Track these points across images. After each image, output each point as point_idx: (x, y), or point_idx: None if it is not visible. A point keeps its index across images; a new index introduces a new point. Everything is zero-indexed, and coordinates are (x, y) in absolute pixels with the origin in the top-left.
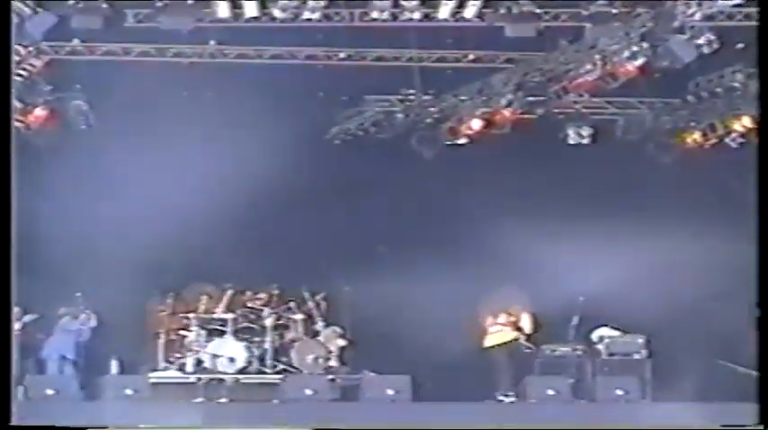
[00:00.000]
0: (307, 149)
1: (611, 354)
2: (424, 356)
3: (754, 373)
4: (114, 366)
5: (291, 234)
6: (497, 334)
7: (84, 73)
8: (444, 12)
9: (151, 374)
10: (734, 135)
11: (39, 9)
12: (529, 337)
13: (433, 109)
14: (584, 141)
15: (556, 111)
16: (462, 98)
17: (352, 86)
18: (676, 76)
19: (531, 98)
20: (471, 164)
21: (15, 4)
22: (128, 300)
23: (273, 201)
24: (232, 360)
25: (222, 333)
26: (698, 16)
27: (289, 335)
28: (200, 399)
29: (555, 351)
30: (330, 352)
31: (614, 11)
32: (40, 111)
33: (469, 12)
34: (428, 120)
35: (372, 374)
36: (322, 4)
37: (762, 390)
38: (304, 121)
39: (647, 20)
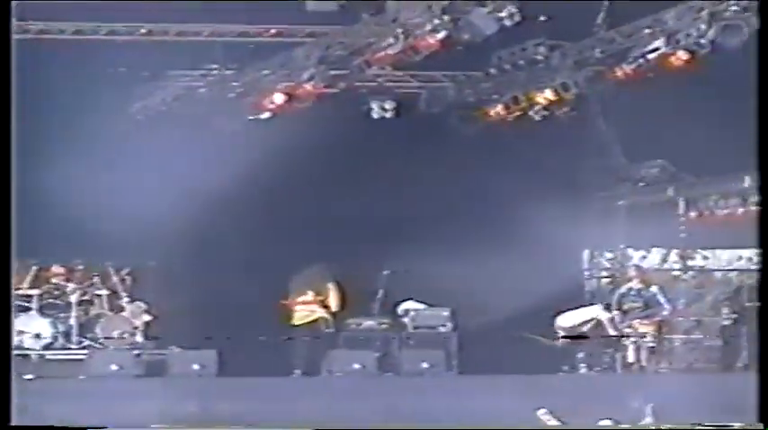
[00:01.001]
0: (109, 126)
1: (416, 328)
2: (232, 332)
3: (558, 344)
4: None
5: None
6: (304, 312)
7: None
8: None
9: None
10: (537, 107)
11: None
12: (335, 315)
13: (235, 83)
14: (388, 115)
15: (358, 84)
16: (265, 72)
17: (154, 62)
18: (479, 48)
19: (333, 72)
20: (274, 138)
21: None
22: None
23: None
24: (38, 336)
25: (27, 309)
26: None
27: (93, 311)
28: None
29: (360, 325)
30: (136, 327)
31: None
32: None
33: None
34: (231, 95)
35: (178, 349)
36: None
37: (762, 390)
38: (105, 97)
39: None
